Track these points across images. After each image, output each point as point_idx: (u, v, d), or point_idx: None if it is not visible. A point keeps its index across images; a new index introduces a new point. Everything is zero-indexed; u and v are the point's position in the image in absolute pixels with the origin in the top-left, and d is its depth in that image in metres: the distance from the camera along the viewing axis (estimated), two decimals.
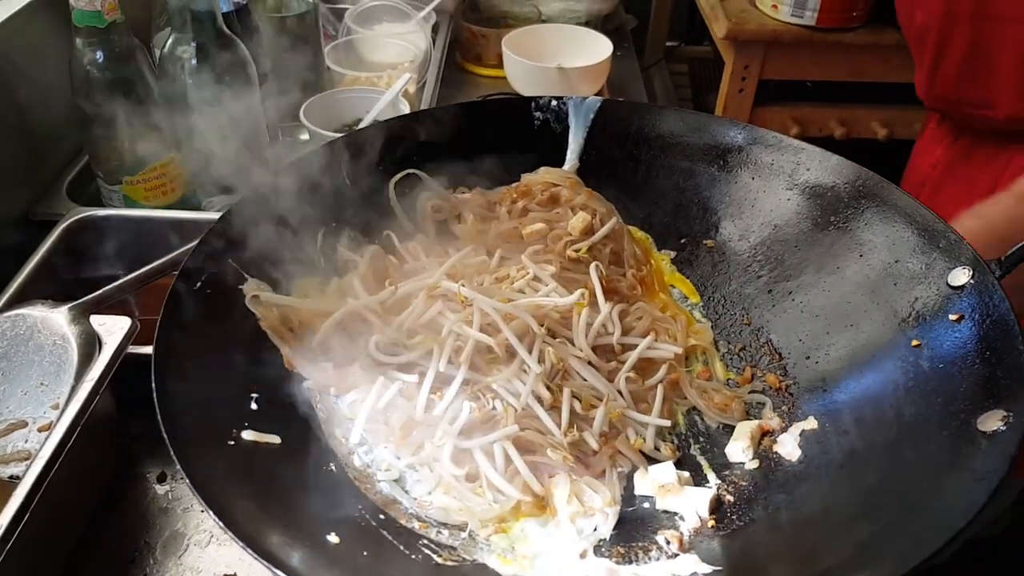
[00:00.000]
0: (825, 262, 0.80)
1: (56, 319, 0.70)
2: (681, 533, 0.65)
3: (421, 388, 0.73)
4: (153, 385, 0.58)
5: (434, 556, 0.61)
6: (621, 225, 0.92)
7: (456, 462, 0.69)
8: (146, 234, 0.98)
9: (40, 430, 0.64)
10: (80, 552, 0.70)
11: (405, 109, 1.19)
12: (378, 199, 0.89)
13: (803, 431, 0.71)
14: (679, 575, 0.59)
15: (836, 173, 0.82)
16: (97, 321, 0.75)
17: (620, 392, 0.76)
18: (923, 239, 0.72)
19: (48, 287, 0.86)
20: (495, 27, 1.55)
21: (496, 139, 0.94)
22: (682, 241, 0.92)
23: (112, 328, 0.72)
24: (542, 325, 0.78)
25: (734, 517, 0.66)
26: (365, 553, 0.58)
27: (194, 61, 0.98)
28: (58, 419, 0.63)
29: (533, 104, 0.95)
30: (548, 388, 0.74)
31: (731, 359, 0.82)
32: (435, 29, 1.57)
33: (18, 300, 0.82)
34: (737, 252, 0.88)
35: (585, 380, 0.76)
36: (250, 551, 0.49)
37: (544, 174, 0.93)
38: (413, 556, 0.60)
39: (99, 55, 0.92)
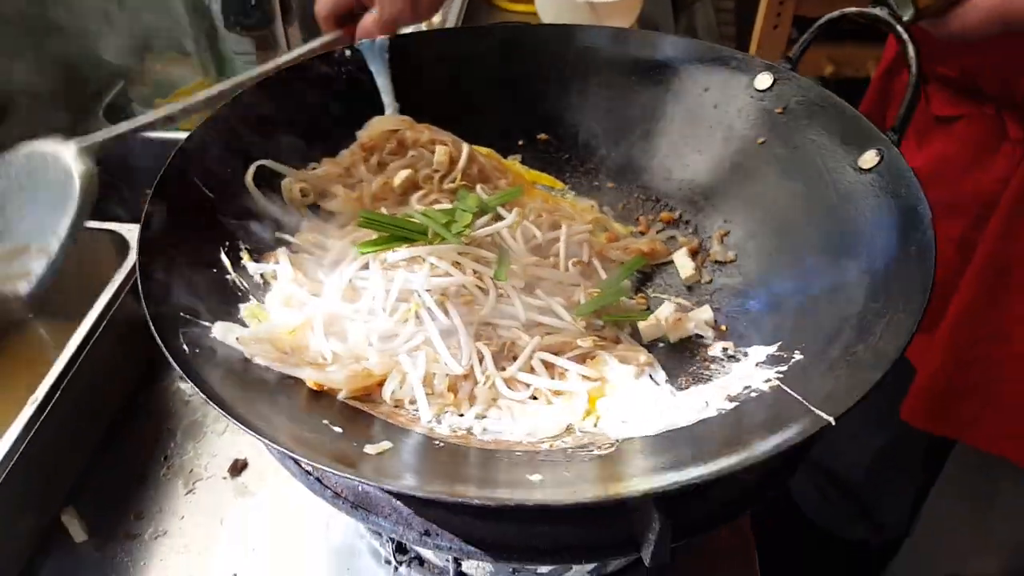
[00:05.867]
0: (657, 103, 0.92)
1: (64, 154, 0.70)
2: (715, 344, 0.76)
3: None
4: (136, 252, 0.64)
5: None
6: (469, 147, 0.95)
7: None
8: None
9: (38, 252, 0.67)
10: (112, 430, 0.86)
11: None
12: (244, 200, 0.79)
13: (721, 235, 0.86)
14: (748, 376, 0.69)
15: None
16: None
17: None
18: None
19: None
20: None
21: (314, 105, 0.89)
22: (520, 143, 0.98)
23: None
24: None
25: (737, 317, 0.79)
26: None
27: None
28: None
29: (324, 64, 0.90)
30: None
31: (622, 220, 0.94)
32: None
33: None
34: (569, 131, 0.96)
35: (546, 279, 0.82)
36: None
37: (378, 124, 0.91)
38: None
39: None
